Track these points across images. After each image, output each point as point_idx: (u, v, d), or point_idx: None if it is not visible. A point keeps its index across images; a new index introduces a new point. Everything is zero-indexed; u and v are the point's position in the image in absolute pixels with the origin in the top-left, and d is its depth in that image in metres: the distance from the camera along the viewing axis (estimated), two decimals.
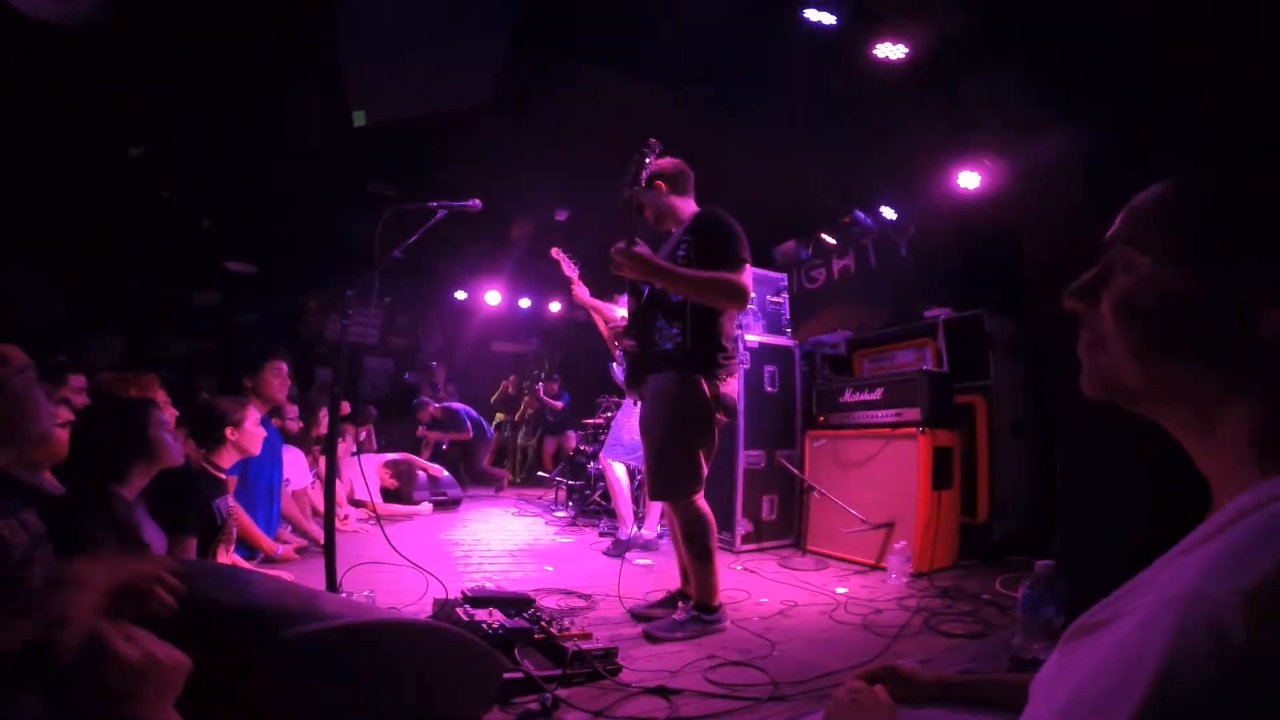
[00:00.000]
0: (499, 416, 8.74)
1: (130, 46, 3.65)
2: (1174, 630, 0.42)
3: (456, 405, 6.86)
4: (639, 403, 2.53)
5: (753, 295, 4.17)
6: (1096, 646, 0.49)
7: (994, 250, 4.27)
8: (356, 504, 4.63)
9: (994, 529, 3.62)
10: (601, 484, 4.87)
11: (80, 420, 2.08)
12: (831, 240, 6.16)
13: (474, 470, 6.35)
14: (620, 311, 3.22)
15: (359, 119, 3.93)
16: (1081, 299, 0.66)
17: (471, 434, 6.62)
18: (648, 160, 2.35)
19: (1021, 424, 3.83)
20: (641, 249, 2.31)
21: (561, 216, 6.04)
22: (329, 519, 2.35)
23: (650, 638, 2.25)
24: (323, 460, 3.98)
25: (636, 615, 2.51)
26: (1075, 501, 2.05)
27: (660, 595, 2.66)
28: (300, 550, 3.41)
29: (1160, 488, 1.64)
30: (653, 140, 2.33)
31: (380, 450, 5.91)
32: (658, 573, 3.35)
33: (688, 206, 2.59)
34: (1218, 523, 0.49)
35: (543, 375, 8.47)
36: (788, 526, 4.02)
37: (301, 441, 4.07)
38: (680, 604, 2.44)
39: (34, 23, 3.25)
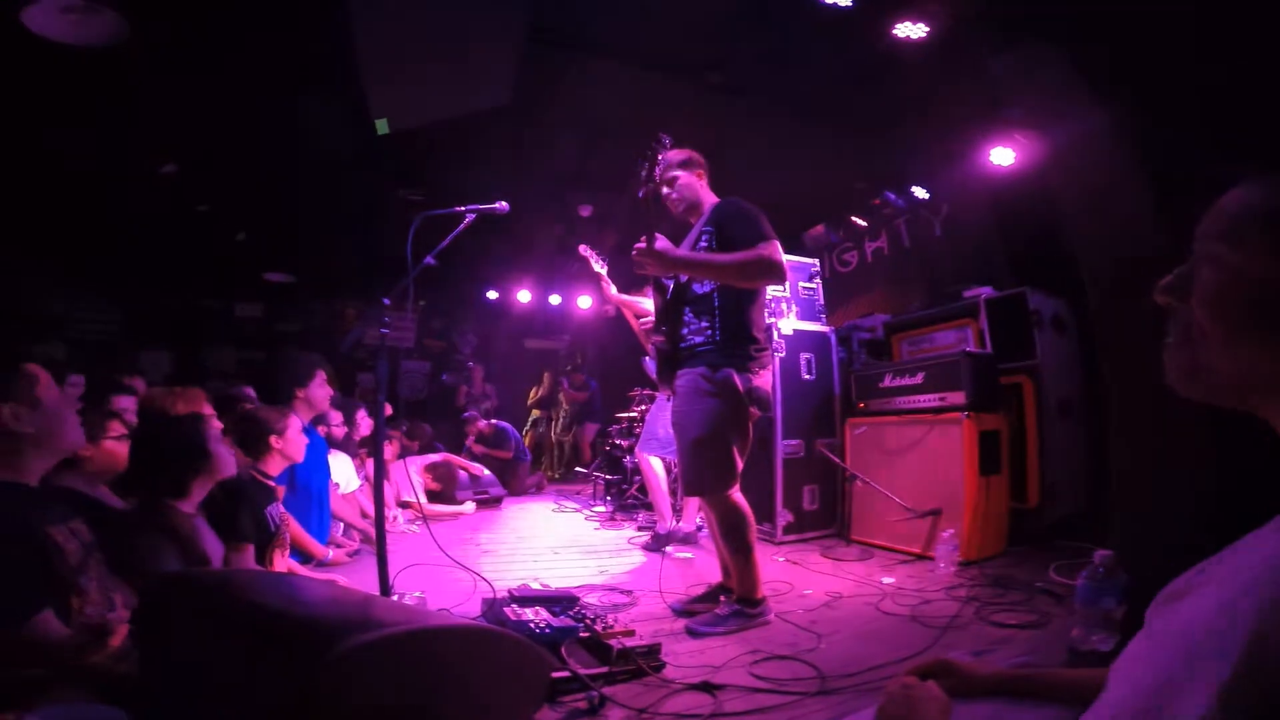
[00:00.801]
0: (535, 414, 8.84)
1: (160, 63, 3.76)
2: (1271, 593, 0.44)
3: (506, 425, 6.98)
4: (671, 398, 2.53)
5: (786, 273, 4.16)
6: (1189, 607, 0.51)
7: (1033, 226, 4.13)
8: (404, 505, 4.74)
9: (1045, 514, 3.52)
10: (638, 478, 4.88)
11: (139, 439, 2.17)
12: (862, 222, 6.04)
13: (514, 489, 6.48)
14: (649, 303, 3.22)
15: (381, 127, 3.98)
16: (1172, 294, 0.67)
17: (512, 455, 6.74)
18: (660, 155, 2.33)
19: (1071, 403, 3.71)
20: (662, 244, 2.29)
21: (585, 212, 6.05)
22: (379, 522, 2.40)
23: (693, 633, 2.25)
24: (370, 463, 4.09)
25: (678, 610, 2.51)
26: (1133, 488, 1.98)
27: (701, 589, 2.65)
28: (352, 554, 3.50)
29: (1226, 473, 1.57)
30: (663, 135, 2.31)
31: (422, 452, 6.04)
32: (698, 566, 3.35)
33: (709, 197, 2.58)
34: None
35: (570, 369, 8.55)
36: (830, 516, 3.98)
37: (346, 446, 4.17)
38: (722, 598, 2.43)
39: (60, 44, 3.37)
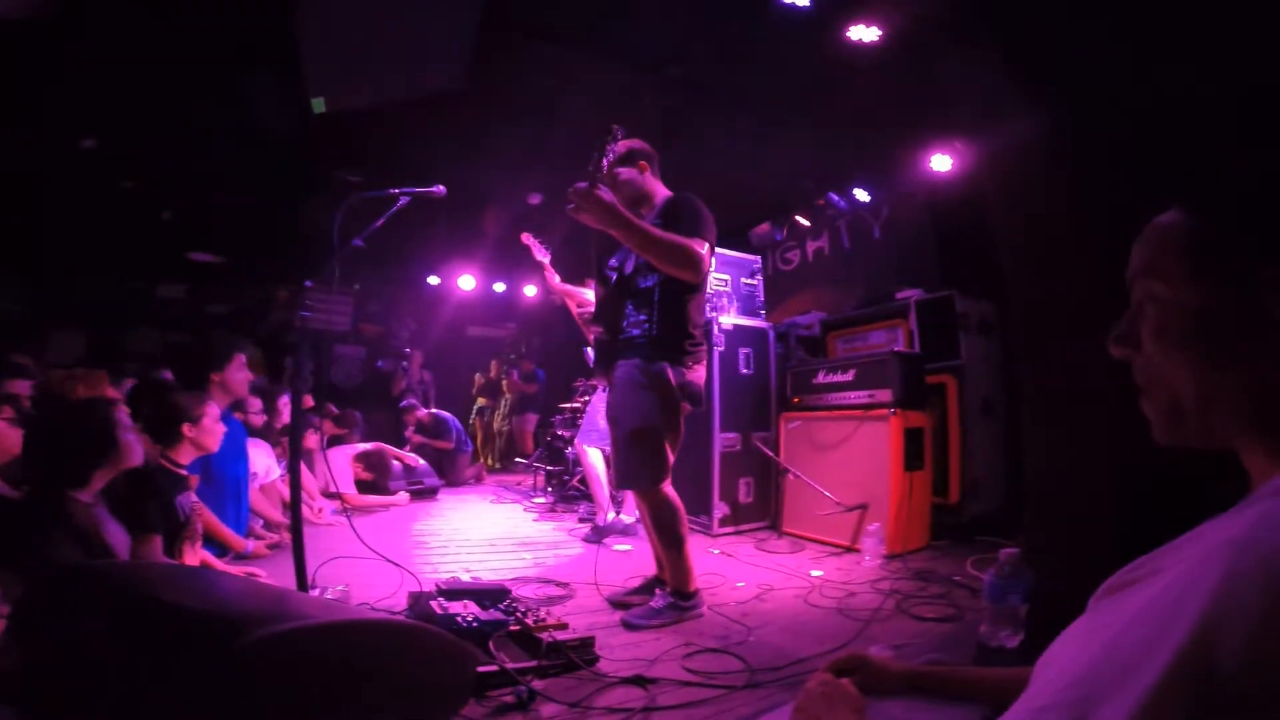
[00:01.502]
0: (481, 401, 8.68)
1: (81, 34, 3.48)
2: (1225, 569, 0.43)
3: (446, 415, 6.80)
4: (608, 389, 2.51)
5: (716, 273, 4.18)
6: (1137, 596, 0.50)
7: (966, 232, 4.30)
8: (331, 496, 4.56)
9: (966, 509, 3.69)
10: (580, 469, 4.86)
11: (37, 424, 2.01)
12: (806, 222, 6.17)
13: (454, 479, 6.34)
14: (591, 294, 3.19)
15: (318, 106, 3.79)
16: (1125, 344, 0.66)
17: (453, 445, 6.58)
18: (610, 147, 2.29)
19: (992, 403, 3.89)
20: (604, 194, 2.18)
21: (535, 201, 5.95)
22: (295, 513, 2.29)
23: (628, 625, 2.26)
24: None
25: (614, 603, 2.51)
26: (1042, 490, 2.08)
27: (638, 582, 2.67)
28: (273, 546, 3.35)
29: (1130, 475, 1.66)
30: (615, 126, 2.27)
31: (350, 440, 5.84)
32: (637, 558, 3.36)
33: (660, 190, 2.56)
34: (1260, 494, 0.51)
35: (515, 358, 8.43)
36: (764, 509, 4.06)
37: (266, 434, 3.98)
38: (658, 590, 2.44)
39: None
